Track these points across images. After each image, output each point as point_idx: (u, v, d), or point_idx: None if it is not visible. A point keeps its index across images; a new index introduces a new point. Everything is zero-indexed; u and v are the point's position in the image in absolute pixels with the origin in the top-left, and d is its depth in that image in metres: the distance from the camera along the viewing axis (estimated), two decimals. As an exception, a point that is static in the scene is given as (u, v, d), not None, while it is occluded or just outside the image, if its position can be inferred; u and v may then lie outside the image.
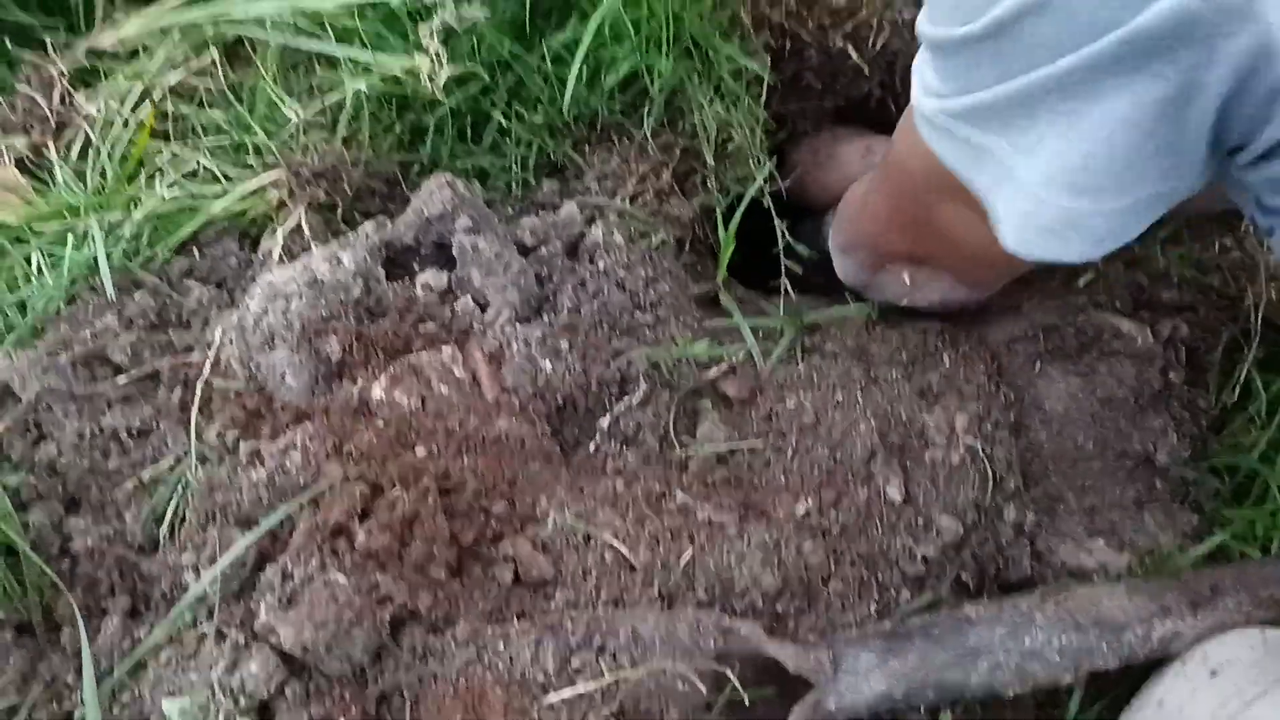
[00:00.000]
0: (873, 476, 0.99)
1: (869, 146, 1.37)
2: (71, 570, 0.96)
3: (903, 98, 1.42)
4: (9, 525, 0.92)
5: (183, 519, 0.95)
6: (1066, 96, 0.68)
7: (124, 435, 1.00)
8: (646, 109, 1.16)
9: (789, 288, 1.17)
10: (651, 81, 1.13)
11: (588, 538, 0.92)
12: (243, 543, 0.86)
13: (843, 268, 1.17)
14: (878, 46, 1.34)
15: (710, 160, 1.19)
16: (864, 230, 1.11)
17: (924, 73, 0.79)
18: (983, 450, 1.02)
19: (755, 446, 1.03)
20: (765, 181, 1.19)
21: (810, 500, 0.98)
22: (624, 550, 0.92)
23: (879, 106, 1.43)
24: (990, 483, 1.01)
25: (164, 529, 0.96)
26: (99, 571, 0.95)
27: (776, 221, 1.17)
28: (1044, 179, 0.72)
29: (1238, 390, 1.12)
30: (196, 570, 0.90)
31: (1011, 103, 0.70)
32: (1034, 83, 0.68)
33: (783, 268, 1.18)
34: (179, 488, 0.96)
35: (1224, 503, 1.07)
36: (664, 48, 1.11)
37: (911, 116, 0.83)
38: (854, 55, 1.30)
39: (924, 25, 0.76)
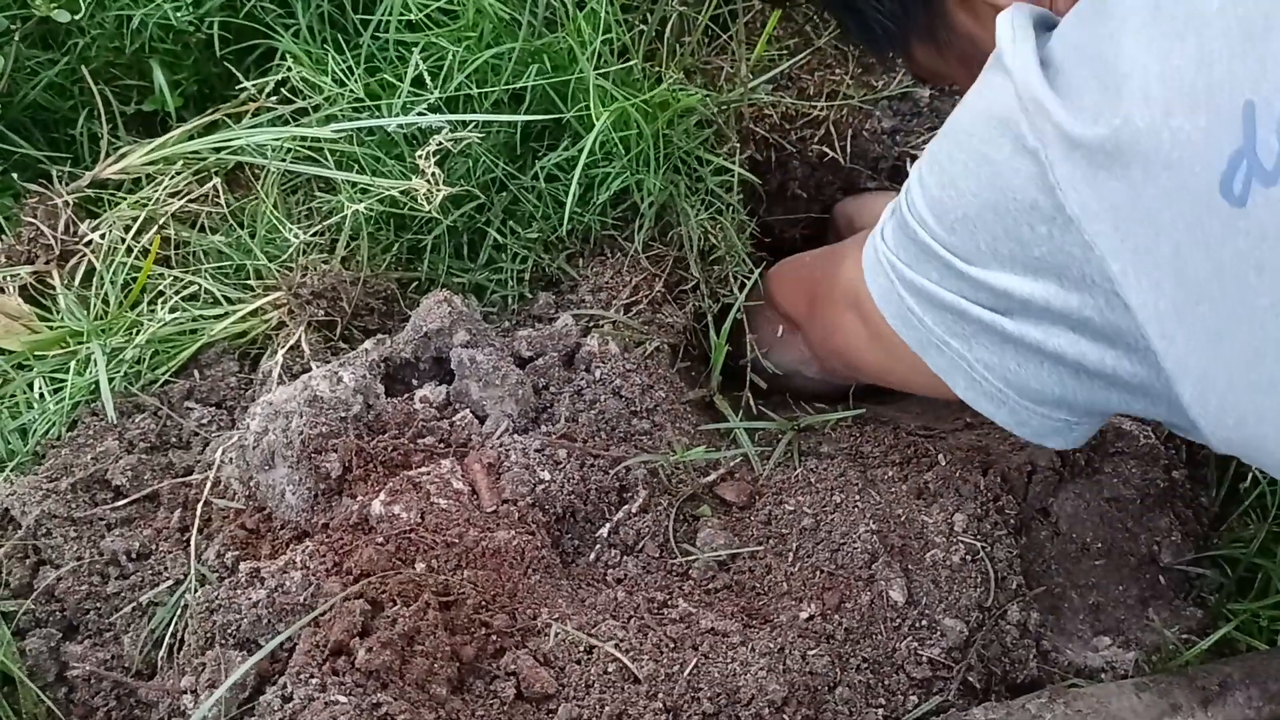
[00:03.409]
0: (875, 579, 0.99)
1: None
2: (68, 697, 0.95)
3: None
4: (5, 653, 0.91)
5: (181, 642, 0.94)
6: (998, 336, 0.78)
7: (123, 559, 1.00)
8: (638, 223, 1.19)
9: (751, 400, 1.19)
10: (642, 197, 1.17)
11: (590, 649, 0.92)
12: (244, 668, 0.85)
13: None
14: (857, 151, 1.39)
15: (699, 269, 1.22)
16: (780, 280, 1.22)
17: (886, 225, 0.86)
18: (983, 550, 1.02)
19: (756, 551, 1.03)
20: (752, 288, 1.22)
21: (814, 605, 0.98)
22: (627, 662, 0.91)
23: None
24: (992, 583, 1.01)
25: (162, 653, 0.95)
26: (96, 698, 0.94)
27: (748, 337, 1.19)
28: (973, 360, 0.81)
29: (1240, 485, 1.13)
30: (195, 694, 0.89)
31: (946, 305, 0.79)
32: (972, 312, 0.78)
33: (747, 382, 1.19)
34: (178, 610, 0.96)
35: (1227, 596, 1.07)
36: (653, 165, 1.15)
37: (866, 240, 0.90)
38: (838, 157, 1.35)
39: (907, 203, 0.82)
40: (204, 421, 1.10)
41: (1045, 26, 0.73)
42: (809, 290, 1.12)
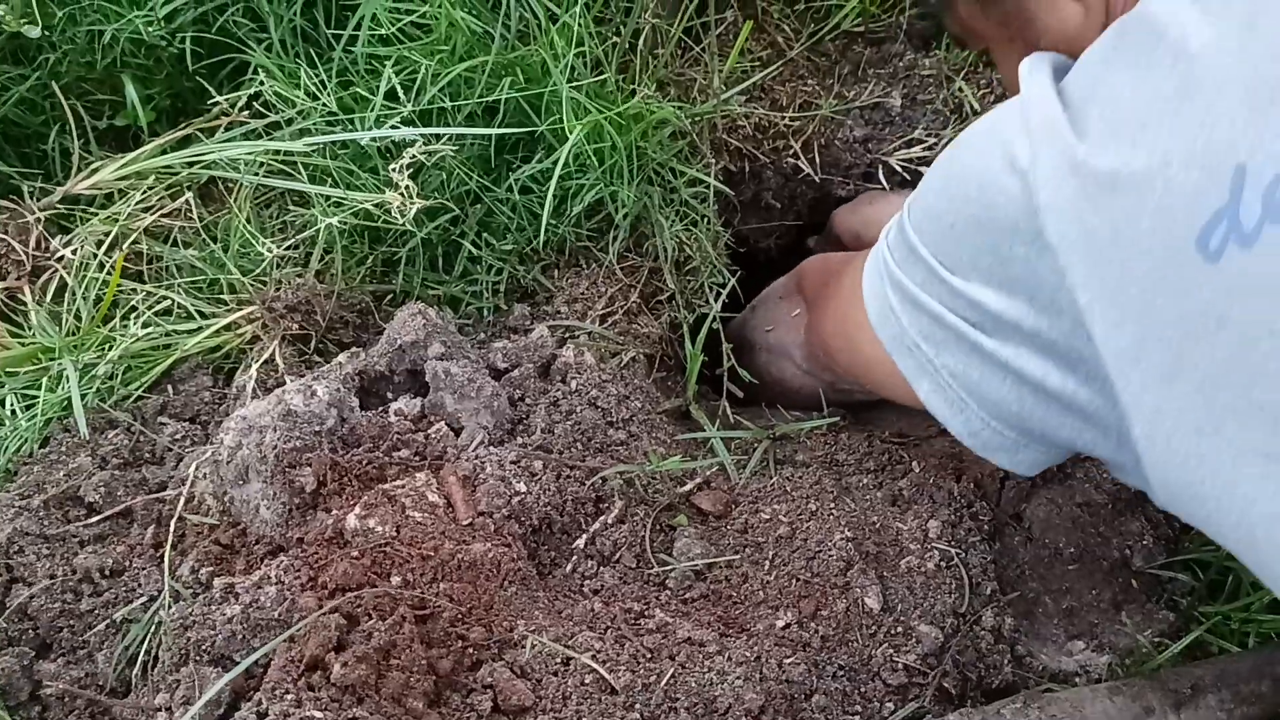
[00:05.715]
0: (850, 586, 1.00)
1: None
2: (41, 716, 0.94)
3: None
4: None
5: (155, 659, 0.93)
6: (967, 345, 0.79)
7: (96, 576, 0.99)
8: (612, 234, 1.20)
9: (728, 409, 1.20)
10: (617, 208, 1.17)
11: (567, 661, 0.92)
12: (218, 684, 0.85)
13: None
14: (830, 160, 1.40)
15: (674, 280, 1.22)
16: (812, 265, 1.26)
17: (892, 225, 0.88)
18: (957, 556, 1.02)
19: (732, 560, 1.03)
20: (726, 298, 1.23)
21: (790, 613, 0.98)
22: (604, 672, 0.91)
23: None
24: (967, 588, 1.01)
25: (136, 670, 0.95)
26: (70, 716, 0.94)
27: (724, 346, 1.20)
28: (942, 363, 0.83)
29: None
30: (170, 711, 0.88)
31: (925, 309, 0.81)
32: (947, 319, 0.80)
33: (725, 391, 1.20)
34: (152, 627, 0.95)
35: (1198, 599, 1.08)
36: (627, 176, 1.16)
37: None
38: (810, 171, 1.36)
39: (908, 207, 0.84)
40: (177, 437, 1.09)
41: (1064, 72, 0.75)
42: (832, 274, 1.15)
